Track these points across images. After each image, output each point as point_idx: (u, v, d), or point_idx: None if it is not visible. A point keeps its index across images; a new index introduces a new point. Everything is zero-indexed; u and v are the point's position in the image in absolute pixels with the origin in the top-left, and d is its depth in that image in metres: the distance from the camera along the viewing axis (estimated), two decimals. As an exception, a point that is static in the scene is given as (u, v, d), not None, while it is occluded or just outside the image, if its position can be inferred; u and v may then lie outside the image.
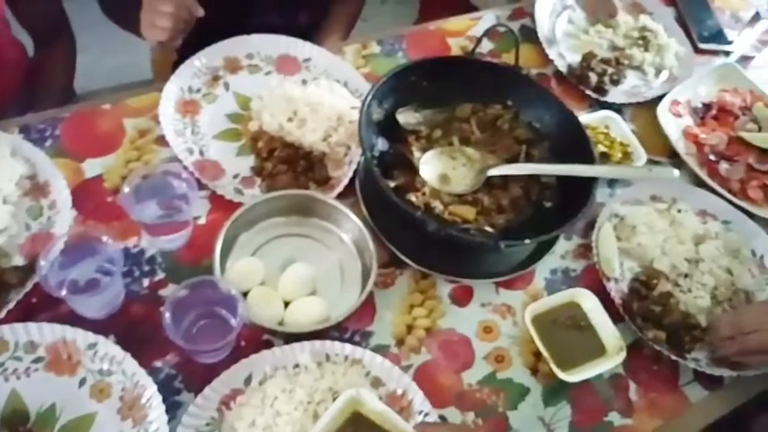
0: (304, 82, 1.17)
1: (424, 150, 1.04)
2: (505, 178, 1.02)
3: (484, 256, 1.00)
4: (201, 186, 1.00)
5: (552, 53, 1.30)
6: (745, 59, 1.46)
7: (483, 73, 1.10)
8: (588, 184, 0.96)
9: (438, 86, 1.07)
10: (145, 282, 0.93)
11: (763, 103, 1.32)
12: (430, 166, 1.02)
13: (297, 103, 1.08)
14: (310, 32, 1.40)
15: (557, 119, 1.07)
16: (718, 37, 1.46)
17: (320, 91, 1.11)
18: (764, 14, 1.41)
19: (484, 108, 1.10)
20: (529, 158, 1.05)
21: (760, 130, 1.27)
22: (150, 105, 1.09)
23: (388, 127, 1.05)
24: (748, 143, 1.24)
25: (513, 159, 1.05)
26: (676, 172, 0.93)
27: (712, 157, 1.20)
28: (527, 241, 0.89)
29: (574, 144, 1.03)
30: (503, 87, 1.10)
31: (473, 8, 1.55)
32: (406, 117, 1.06)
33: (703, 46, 1.44)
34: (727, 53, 1.45)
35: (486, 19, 1.36)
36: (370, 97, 0.98)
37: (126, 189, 0.88)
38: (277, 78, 1.17)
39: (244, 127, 1.10)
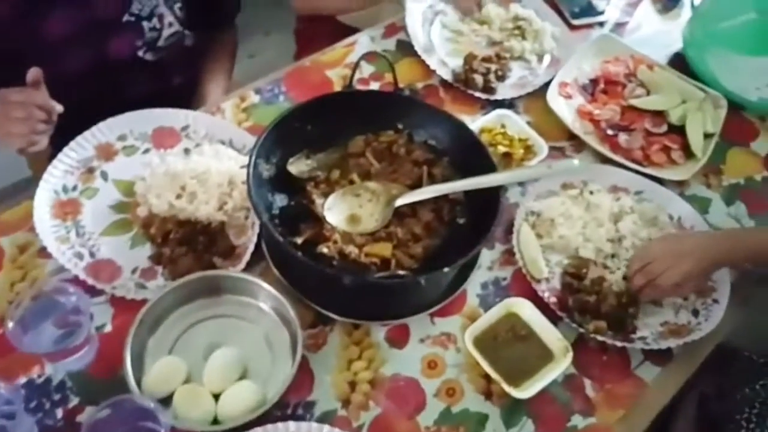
0: (186, 151, 1.10)
1: (325, 195, 0.99)
2: (414, 205, 0.99)
3: (410, 293, 0.96)
4: (98, 291, 0.92)
5: (433, 63, 1.28)
6: (619, 26, 1.48)
7: (366, 102, 1.06)
8: (495, 191, 0.94)
9: (324, 126, 1.03)
10: (59, 412, 0.85)
11: (645, 66, 1.34)
12: (335, 210, 0.97)
13: (183, 177, 1.02)
14: (187, 94, 1.34)
15: (450, 133, 1.05)
16: (589, 10, 1.48)
17: (205, 159, 1.06)
18: (626, -20, 1.44)
19: (377, 137, 1.06)
20: (431, 178, 1.02)
21: (648, 93, 1.29)
22: (24, 216, 1.00)
23: (284, 181, 1.00)
24: (641, 109, 1.25)
25: (416, 183, 1.02)
26: (576, 161, 0.93)
27: (609, 132, 1.21)
28: (446, 269, 0.85)
29: (473, 154, 1.01)
30: (390, 112, 1.07)
31: (349, 29, 1.52)
32: (298, 166, 1.01)
33: (576, 22, 1.45)
34: (601, 24, 1.48)
35: (361, 42, 1.33)
36: (254, 156, 0.93)
37: (10, 323, 0.80)
38: (156, 155, 1.09)
39: (133, 215, 1.03)
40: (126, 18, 1.16)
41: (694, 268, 0.95)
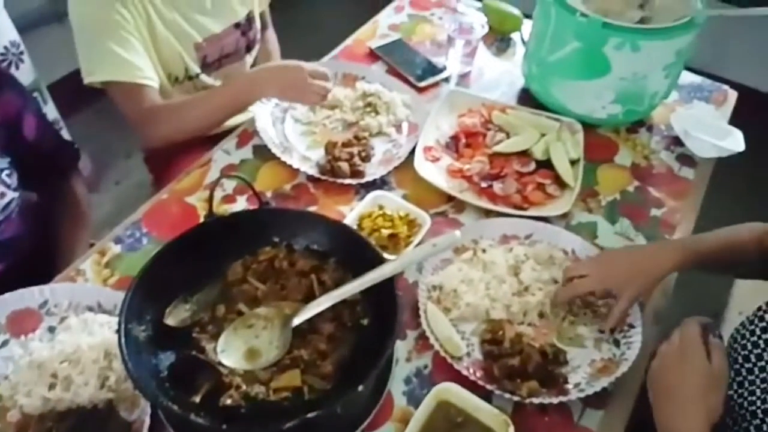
0: (51, 330, 0.98)
1: (215, 337, 0.90)
2: (313, 319, 0.92)
3: (331, 421, 0.89)
4: None
5: (295, 161, 1.24)
6: (463, 78, 1.52)
7: (233, 226, 1.00)
8: (389, 284, 0.90)
9: (195, 263, 0.95)
10: None
11: (498, 110, 1.37)
12: (230, 350, 0.89)
13: (52, 364, 0.91)
14: (42, 263, 1.21)
15: (329, 233, 1.00)
16: (431, 69, 1.51)
17: (72, 336, 0.95)
18: (456, 35, 1.48)
19: (255, 258, 1.00)
20: (323, 286, 0.96)
21: (508, 135, 1.32)
22: None
23: (165, 336, 0.90)
24: (506, 153, 1.27)
25: (308, 295, 0.95)
26: (458, 233, 0.90)
27: (483, 184, 1.21)
28: (360, 388, 0.79)
29: (357, 249, 0.96)
30: (262, 228, 1.01)
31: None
32: (177, 315, 0.92)
33: (422, 84, 1.47)
34: (446, 80, 1.51)
35: (216, 159, 1.27)
36: (123, 323, 0.83)
37: None
38: (17, 344, 0.97)
39: (4, 424, 0.89)
40: None
41: (644, 285, 0.97)
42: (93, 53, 1.23)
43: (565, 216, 1.18)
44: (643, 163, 1.32)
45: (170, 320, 0.91)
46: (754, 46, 2.71)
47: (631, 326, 1.00)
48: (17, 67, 2.03)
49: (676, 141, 1.36)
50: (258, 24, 1.52)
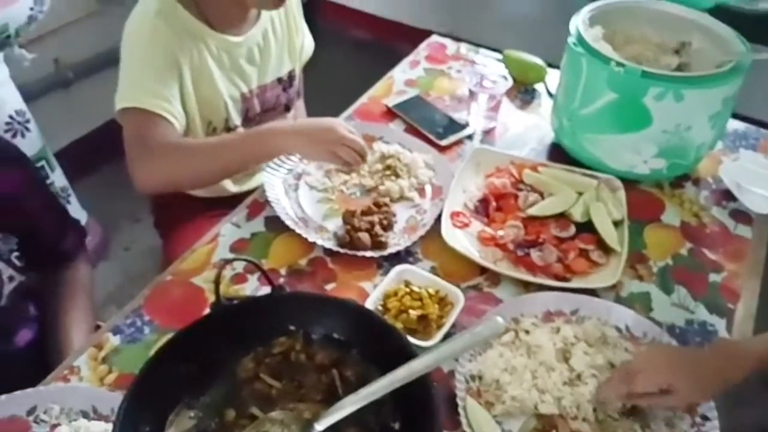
0: (40, 441, 0.87)
1: (224, 448, 0.78)
2: (335, 424, 0.80)
3: None
4: None
5: (311, 233, 1.13)
6: (487, 134, 1.42)
7: (243, 314, 0.88)
8: (423, 381, 0.77)
9: (200, 360, 0.83)
10: None
11: (528, 168, 1.26)
12: (241, 463, 0.76)
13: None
14: (38, 356, 1.10)
15: (351, 318, 0.88)
16: (453, 126, 1.41)
17: (61, 450, 0.83)
18: (477, 89, 1.39)
19: (268, 350, 0.88)
20: (345, 382, 0.84)
21: (542, 196, 1.21)
22: None
23: (167, 448, 0.78)
24: (542, 216, 1.16)
25: (329, 393, 0.83)
26: (500, 320, 0.78)
27: (520, 253, 1.09)
28: None
29: (383, 337, 0.84)
30: (273, 315, 0.90)
31: (212, 203, 1.38)
32: (180, 425, 0.80)
33: (444, 142, 1.37)
34: (469, 137, 1.41)
35: (224, 234, 1.17)
36: (117, 439, 0.71)
37: None
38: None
39: None
40: None
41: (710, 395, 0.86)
42: (130, 81, 1.16)
43: (613, 286, 1.06)
44: (693, 221, 1.20)
45: (173, 431, 0.79)
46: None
47: (705, 418, 0.86)
48: (23, 136, 1.98)
49: (728, 195, 1.24)
50: (297, 84, 1.48)
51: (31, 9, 1.64)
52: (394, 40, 3.32)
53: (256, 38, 1.31)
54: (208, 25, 1.22)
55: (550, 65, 1.57)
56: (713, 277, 1.10)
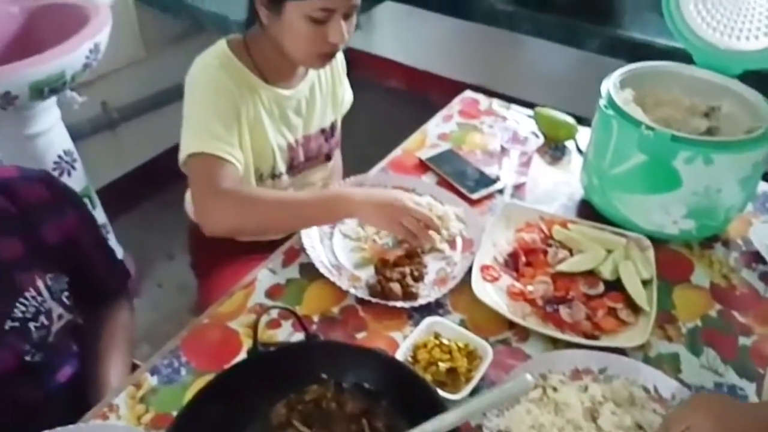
0: (76, 478, 0.89)
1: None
2: (364, 475, 0.82)
3: None
4: None
5: (344, 282, 1.17)
6: (518, 188, 1.45)
7: (277, 362, 0.92)
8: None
9: (233, 405, 0.87)
10: None
11: (558, 224, 1.28)
12: None
13: None
14: (76, 394, 1.14)
15: (381, 369, 0.90)
16: (484, 180, 1.45)
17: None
18: (509, 145, 1.43)
19: (300, 397, 0.90)
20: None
21: (571, 252, 1.23)
22: None
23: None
24: (571, 273, 1.17)
25: (360, 443, 0.85)
26: (529, 378, 0.79)
27: (549, 309, 1.11)
28: None
29: (413, 389, 0.86)
30: (308, 363, 0.92)
31: (249, 247, 1.42)
32: (214, 467, 0.83)
33: (475, 196, 1.40)
34: (500, 191, 1.44)
35: (260, 280, 1.21)
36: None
37: None
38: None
39: None
40: (9, 325, 1.00)
41: None
42: (197, 128, 1.21)
43: (642, 346, 1.06)
44: (723, 283, 1.21)
45: (206, 475, 0.82)
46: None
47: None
48: (69, 174, 2.07)
49: (758, 258, 1.25)
50: (338, 134, 1.54)
51: (87, 57, 1.74)
52: (428, 90, 3.41)
53: (304, 92, 1.38)
54: (262, 79, 1.29)
55: (580, 120, 1.61)
56: (743, 341, 1.10)
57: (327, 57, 1.26)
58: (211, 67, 1.25)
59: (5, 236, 0.99)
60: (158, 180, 2.68)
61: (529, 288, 1.15)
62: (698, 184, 1.18)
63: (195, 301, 1.83)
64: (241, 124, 1.25)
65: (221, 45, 1.28)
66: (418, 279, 1.19)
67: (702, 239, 1.30)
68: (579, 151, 1.56)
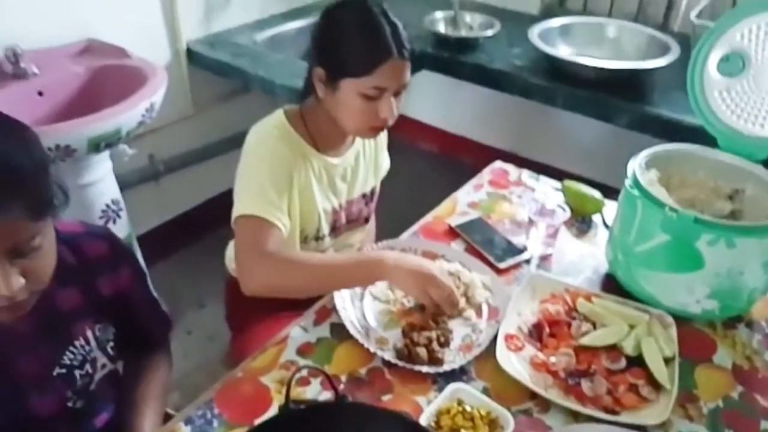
0: None
1: None
2: None
3: None
4: None
5: (372, 344, 1.22)
6: (544, 259, 1.50)
7: (306, 421, 0.95)
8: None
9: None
10: None
11: (582, 298, 1.32)
12: None
13: None
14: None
15: (406, 433, 0.94)
16: (511, 250, 1.50)
17: None
18: (537, 217, 1.48)
19: (327, 456, 0.94)
20: (398, 496, 0.89)
21: (594, 326, 1.26)
22: None
23: None
24: (593, 347, 1.20)
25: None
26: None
27: (570, 381, 1.14)
28: None
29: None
30: (334, 423, 0.96)
31: (281, 303, 1.47)
32: None
33: (502, 265, 1.45)
34: (527, 261, 1.49)
35: (293, 337, 1.26)
36: None
37: None
38: None
39: None
40: (57, 371, 1.05)
41: None
42: (254, 192, 1.29)
43: (662, 424, 1.08)
44: (745, 365, 1.22)
45: None
46: None
47: None
48: (114, 222, 2.17)
49: (781, 341, 1.26)
50: (376, 198, 1.64)
51: (143, 115, 1.86)
52: (461, 155, 3.50)
53: (350, 160, 1.49)
54: (314, 147, 1.39)
55: (608, 189, 1.65)
56: (765, 425, 1.10)
57: (377, 130, 1.37)
58: (271, 137, 1.35)
59: (66, 287, 1.06)
60: (196, 229, 2.79)
61: (552, 359, 1.18)
62: (721, 265, 1.21)
63: (226, 351, 1.88)
64: (292, 190, 1.34)
65: (279, 115, 1.39)
66: (444, 344, 1.23)
67: (725, 319, 1.32)
68: (605, 225, 1.61)
